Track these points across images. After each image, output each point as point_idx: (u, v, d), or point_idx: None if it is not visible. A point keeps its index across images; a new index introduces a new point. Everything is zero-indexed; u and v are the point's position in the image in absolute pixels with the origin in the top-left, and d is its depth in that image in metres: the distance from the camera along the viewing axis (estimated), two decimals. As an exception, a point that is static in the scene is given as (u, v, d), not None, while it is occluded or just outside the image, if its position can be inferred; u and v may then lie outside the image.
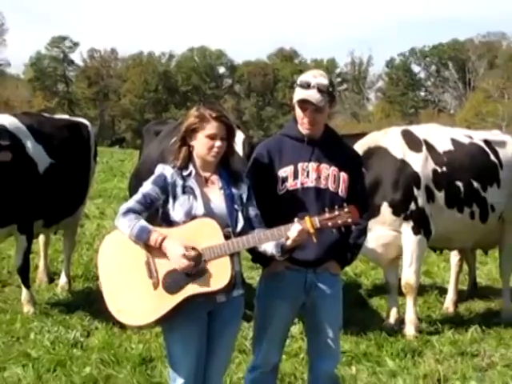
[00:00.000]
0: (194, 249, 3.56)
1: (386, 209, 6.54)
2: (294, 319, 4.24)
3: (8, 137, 6.37)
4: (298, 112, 3.94)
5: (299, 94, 3.88)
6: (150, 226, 3.58)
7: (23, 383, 4.98)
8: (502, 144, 7.45)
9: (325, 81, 3.88)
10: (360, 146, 6.33)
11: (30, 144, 6.66)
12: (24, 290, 6.76)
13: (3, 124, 6.62)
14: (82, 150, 7.73)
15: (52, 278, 7.96)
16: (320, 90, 3.84)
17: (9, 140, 6.40)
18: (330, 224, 3.64)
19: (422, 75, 75.35)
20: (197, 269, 3.55)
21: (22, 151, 6.54)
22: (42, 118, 7.73)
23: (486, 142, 7.33)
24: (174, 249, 3.51)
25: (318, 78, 3.88)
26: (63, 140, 7.30)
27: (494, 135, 7.75)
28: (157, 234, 3.55)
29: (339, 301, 4.03)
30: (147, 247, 3.58)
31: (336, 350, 4.05)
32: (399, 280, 6.78)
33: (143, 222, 3.58)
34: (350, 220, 3.66)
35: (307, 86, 3.86)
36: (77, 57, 75.87)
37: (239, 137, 6.16)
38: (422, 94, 74.87)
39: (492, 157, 7.21)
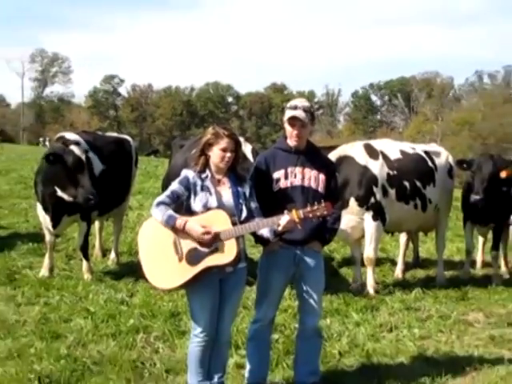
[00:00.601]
0: (209, 233, 3.55)
1: (353, 202, 6.52)
2: (287, 285, 4.21)
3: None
4: (288, 128, 3.93)
5: (289, 113, 3.89)
6: (176, 215, 3.57)
7: (84, 331, 4.95)
8: (437, 154, 7.45)
9: (307, 104, 3.93)
10: (333, 155, 6.31)
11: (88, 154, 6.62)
12: (84, 262, 6.74)
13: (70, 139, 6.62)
14: (125, 159, 7.70)
15: (105, 253, 7.93)
16: (305, 110, 3.86)
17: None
18: (310, 215, 3.65)
19: (378, 103, 75.16)
20: (212, 247, 3.54)
21: None
22: (96, 135, 7.72)
23: (426, 152, 7.32)
24: (195, 228, 3.52)
25: (302, 102, 3.93)
26: (112, 151, 7.26)
27: (432, 147, 7.76)
28: (180, 219, 3.54)
29: (321, 271, 4.02)
30: (174, 230, 3.56)
31: (319, 308, 4.03)
32: (362, 255, 6.77)
33: (171, 212, 3.58)
34: (325, 212, 3.68)
35: (295, 107, 3.88)
36: (123, 90, 75.81)
37: (248, 148, 6.21)
38: (378, 117, 74.60)
39: (430, 163, 7.19)
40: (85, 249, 6.77)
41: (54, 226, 6.52)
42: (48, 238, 6.70)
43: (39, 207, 6.63)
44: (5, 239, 8.27)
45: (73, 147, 6.13)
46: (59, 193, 6.22)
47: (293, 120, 3.88)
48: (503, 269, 7.95)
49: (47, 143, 34.15)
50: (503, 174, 6.97)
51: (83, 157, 6.08)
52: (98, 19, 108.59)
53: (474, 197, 6.88)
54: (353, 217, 6.52)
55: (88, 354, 4.47)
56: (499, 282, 7.17)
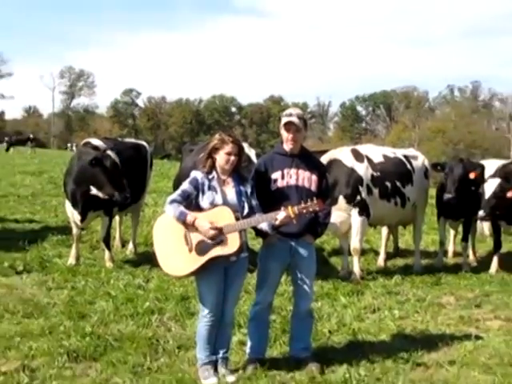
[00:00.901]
0: (215, 228, 3.54)
1: (341, 200, 6.51)
2: (283, 272, 4.20)
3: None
4: (284, 133, 3.92)
5: (285, 119, 3.89)
6: (187, 211, 3.56)
7: (106, 312, 4.94)
8: (415, 157, 7.43)
9: (301, 112, 3.94)
10: (324, 159, 6.30)
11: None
12: (106, 252, 6.75)
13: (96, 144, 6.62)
14: (142, 162, 7.67)
15: (124, 244, 7.92)
16: (298, 117, 3.87)
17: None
18: (304, 211, 3.64)
19: (363, 113, 75.21)
20: (218, 239, 3.53)
21: None
22: (117, 141, 7.72)
23: (405, 156, 7.30)
24: (203, 224, 3.51)
25: (296, 110, 3.94)
26: (130, 155, 7.22)
27: (410, 151, 7.73)
28: (190, 216, 3.53)
29: (313, 260, 4.00)
30: (185, 225, 3.56)
31: (311, 292, 4.03)
32: (349, 245, 6.76)
33: (182, 208, 3.57)
34: (317, 209, 3.68)
35: (290, 114, 3.88)
36: (140, 101, 75.97)
37: (252, 152, 6.28)
38: (363, 125, 74.61)
39: (408, 166, 7.17)
40: (107, 240, 6.77)
41: (82, 220, 6.52)
42: (74, 230, 6.70)
43: (67, 204, 6.63)
44: (37, 232, 8.30)
45: (109, 152, 6.14)
46: (94, 191, 6.20)
47: (288, 125, 3.87)
48: (471, 258, 7.96)
49: (74, 148, 34.18)
50: (472, 176, 6.99)
51: (117, 160, 6.09)
52: (108, 37, 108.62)
53: (447, 195, 6.89)
54: (341, 213, 6.50)
55: (110, 332, 4.47)
56: (468, 269, 7.17)
